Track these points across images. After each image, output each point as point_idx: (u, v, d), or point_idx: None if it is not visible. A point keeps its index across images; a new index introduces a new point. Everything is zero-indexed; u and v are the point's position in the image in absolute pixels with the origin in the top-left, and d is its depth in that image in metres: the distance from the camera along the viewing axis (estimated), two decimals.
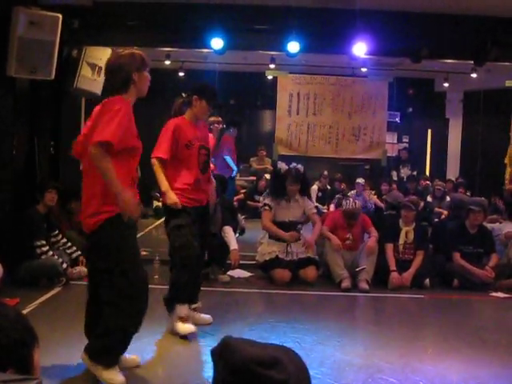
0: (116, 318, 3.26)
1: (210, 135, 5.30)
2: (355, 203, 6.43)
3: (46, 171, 7.05)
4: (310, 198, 6.62)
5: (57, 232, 6.05)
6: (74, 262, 6.01)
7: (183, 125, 4.31)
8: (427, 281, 6.11)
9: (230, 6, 6.84)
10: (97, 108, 3.38)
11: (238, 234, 6.57)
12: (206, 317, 4.59)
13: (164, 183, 4.17)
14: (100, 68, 7.35)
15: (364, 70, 10.79)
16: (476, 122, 12.12)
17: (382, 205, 9.11)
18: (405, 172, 12.11)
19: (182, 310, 4.22)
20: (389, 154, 12.21)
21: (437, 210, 9.43)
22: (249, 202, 10.59)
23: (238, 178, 10.81)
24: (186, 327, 4.18)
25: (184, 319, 4.21)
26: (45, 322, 4.28)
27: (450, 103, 13.07)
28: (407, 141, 13.32)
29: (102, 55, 7.35)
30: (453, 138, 13.17)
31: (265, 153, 12.02)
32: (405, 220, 6.33)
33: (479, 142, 12.04)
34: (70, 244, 6.12)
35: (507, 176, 10.10)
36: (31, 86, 6.67)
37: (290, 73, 11.40)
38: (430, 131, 13.41)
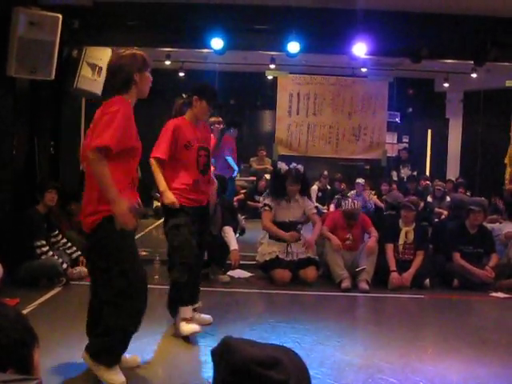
0: (115, 317, 3.26)
1: (212, 136, 5.30)
2: (354, 203, 6.43)
3: (46, 171, 7.05)
4: (310, 198, 6.62)
5: (57, 232, 6.05)
6: (74, 263, 6.01)
7: (183, 125, 4.31)
8: (427, 281, 6.11)
9: (230, 6, 6.85)
10: (98, 111, 3.38)
11: (238, 235, 6.57)
12: (206, 317, 4.59)
13: (162, 183, 4.17)
14: (100, 68, 7.35)
15: (364, 70, 10.80)
16: (476, 122, 12.12)
17: (381, 205, 9.11)
18: (405, 172, 12.11)
19: (186, 311, 4.20)
20: (389, 154, 12.22)
21: (437, 210, 9.43)
22: (249, 202, 10.59)
23: (238, 178, 10.81)
24: (190, 327, 4.15)
25: (188, 320, 4.19)
26: (45, 322, 4.27)
27: (450, 103, 13.07)
28: (407, 141, 13.32)
29: (102, 55, 7.36)
30: (453, 138, 13.17)
31: (265, 153, 12.02)
32: (405, 220, 6.33)
33: (479, 142, 12.05)
34: (70, 244, 6.11)
35: (507, 176, 10.10)
36: (31, 86, 6.67)
37: (290, 73, 11.40)
38: (430, 131, 13.41)
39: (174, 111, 4.46)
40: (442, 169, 13.12)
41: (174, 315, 4.30)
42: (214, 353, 1.10)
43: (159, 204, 5.15)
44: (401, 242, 6.26)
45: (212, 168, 4.70)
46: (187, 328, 4.15)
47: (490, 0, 6.53)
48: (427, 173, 12.79)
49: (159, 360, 3.85)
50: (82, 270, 5.81)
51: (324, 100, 11.65)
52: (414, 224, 6.36)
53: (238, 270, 6.30)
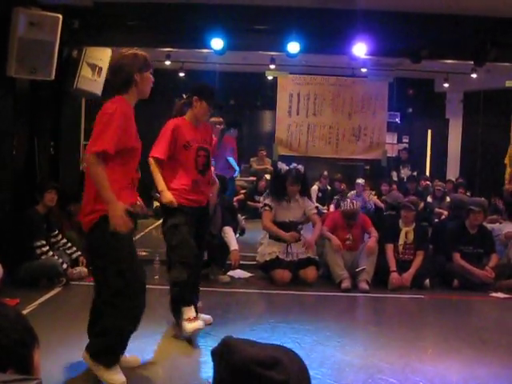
0: (113, 317, 3.26)
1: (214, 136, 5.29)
2: (353, 203, 6.43)
3: (46, 171, 7.05)
4: (310, 198, 6.62)
5: (56, 232, 6.05)
6: (74, 263, 6.01)
7: (182, 125, 4.31)
8: (427, 281, 6.11)
9: (230, 6, 6.84)
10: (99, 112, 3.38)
11: (238, 235, 6.57)
12: (207, 317, 4.58)
13: (161, 182, 4.17)
14: (100, 68, 7.35)
15: (364, 70, 10.79)
16: (476, 122, 12.13)
17: (381, 205, 9.11)
18: (405, 172, 12.11)
19: (189, 311, 4.15)
20: (389, 155, 12.21)
21: (437, 210, 9.43)
22: (249, 203, 10.59)
23: (238, 178, 10.81)
24: (193, 324, 4.10)
25: (191, 320, 4.14)
26: (45, 322, 4.27)
27: (450, 103, 13.07)
28: (407, 141, 13.32)
29: (102, 56, 7.36)
30: (453, 139, 13.17)
31: (265, 153, 12.02)
32: (404, 220, 6.33)
33: (479, 143, 12.05)
34: (69, 244, 6.11)
35: (507, 176, 10.10)
36: (31, 86, 6.67)
37: (290, 73, 11.39)
38: (430, 131, 13.41)
39: (174, 111, 4.47)
40: (441, 169, 13.11)
41: (177, 317, 4.28)
42: (214, 353, 1.10)
43: (159, 204, 5.14)
44: (401, 242, 6.26)
45: (212, 168, 4.70)
46: (190, 326, 4.09)
47: (489, 0, 6.53)
48: (427, 173, 12.78)
49: (159, 360, 3.85)
50: (82, 270, 5.82)
51: (324, 100, 11.65)
52: (414, 224, 6.36)
53: (238, 271, 6.30)
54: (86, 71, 7.18)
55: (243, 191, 11.16)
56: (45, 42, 6.03)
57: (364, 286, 5.92)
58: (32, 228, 5.72)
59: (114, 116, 3.18)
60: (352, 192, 10.18)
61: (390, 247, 6.21)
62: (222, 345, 1.08)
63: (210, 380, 1.12)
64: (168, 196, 4.13)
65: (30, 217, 5.79)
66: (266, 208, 6.24)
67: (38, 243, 5.67)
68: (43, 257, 5.67)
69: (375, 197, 10.31)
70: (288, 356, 1.09)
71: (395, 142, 13.03)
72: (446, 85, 11.60)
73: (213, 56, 7.68)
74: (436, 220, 8.53)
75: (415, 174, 11.84)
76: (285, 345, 1.17)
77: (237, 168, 8.99)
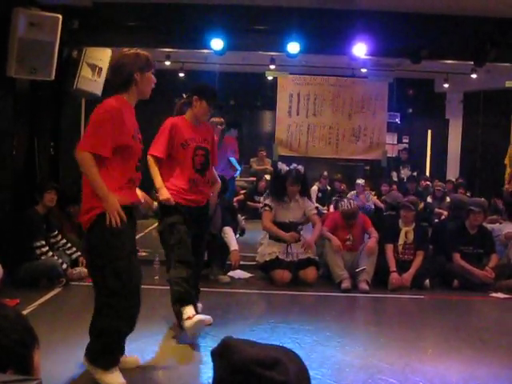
0: (110, 318, 3.24)
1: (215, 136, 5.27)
2: (350, 203, 6.44)
3: (46, 172, 7.05)
4: (310, 198, 6.62)
5: (56, 232, 6.05)
6: (74, 263, 6.01)
7: (181, 124, 4.30)
8: (427, 281, 6.11)
9: (230, 6, 6.84)
10: None
11: (238, 235, 6.57)
12: (207, 317, 4.56)
13: (158, 180, 4.17)
14: (100, 69, 7.35)
15: (364, 70, 10.79)
16: (476, 122, 12.13)
17: (381, 205, 9.11)
18: (405, 173, 12.11)
19: (188, 310, 4.13)
20: (389, 155, 12.20)
21: (437, 210, 9.43)
22: (249, 203, 10.59)
23: (238, 178, 10.80)
24: (193, 320, 4.04)
25: (191, 318, 4.09)
26: (45, 322, 4.27)
27: (450, 104, 13.07)
28: (407, 141, 13.32)
29: (102, 56, 7.36)
30: (453, 139, 13.17)
31: (265, 153, 12.01)
32: (404, 220, 6.33)
33: (479, 143, 12.06)
34: (69, 245, 6.11)
35: (507, 176, 10.10)
36: (31, 86, 6.67)
37: (290, 73, 11.38)
38: (430, 132, 13.41)
39: (175, 111, 4.47)
40: (441, 169, 13.11)
41: (179, 317, 4.26)
42: (213, 353, 1.10)
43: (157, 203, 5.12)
44: (401, 242, 6.25)
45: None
46: (189, 323, 4.03)
47: (489, 1, 6.53)
48: (427, 173, 12.79)
49: (159, 360, 3.85)
50: (81, 270, 5.81)
51: (324, 100, 11.63)
52: (414, 224, 6.36)
53: (238, 271, 6.30)
54: (85, 71, 7.18)
55: (243, 191, 11.16)
56: (45, 42, 6.03)
57: (364, 286, 5.92)
58: (32, 228, 5.72)
59: (103, 115, 3.21)
60: (352, 192, 10.19)
61: (389, 247, 6.21)
62: (221, 345, 1.08)
63: (210, 381, 1.12)
64: (165, 193, 4.12)
65: (29, 217, 5.79)
66: (266, 208, 6.24)
67: (38, 243, 5.67)
68: (43, 257, 5.67)
69: (375, 197, 10.32)
70: (288, 356, 1.08)
71: (395, 142, 13.03)
72: (446, 85, 11.60)
73: (213, 56, 7.68)
74: (436, 220, 8.53)
75: (415, 174, 11.85)
76: (285, 345, 1.17)
77: (239, 168, 8.97)
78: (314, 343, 4.23)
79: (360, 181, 10.13)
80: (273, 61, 9.77)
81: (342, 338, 4.39)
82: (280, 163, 6.73)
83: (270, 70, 10.59)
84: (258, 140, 12.96)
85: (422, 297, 5.87)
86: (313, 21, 6.99)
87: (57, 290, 5.48)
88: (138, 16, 6.97)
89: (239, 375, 1.02)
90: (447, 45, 7.32)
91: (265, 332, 4.46)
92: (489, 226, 6.77)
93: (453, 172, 12.85)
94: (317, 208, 7.58)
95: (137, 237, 3.72)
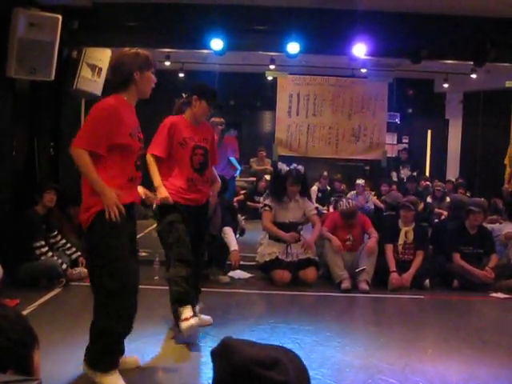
0: (107, 319, 3.23)
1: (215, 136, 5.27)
2: (349, 202, 6.44)
3: (46, 172, 7.05)
4: (310, 198, 6.62)
5: (56, 233, 6.05)
6: (74, 263, 6.01)
7: (180, 123, 4.29)
8: (427, 281, 6.11)
9: (230, 6, 6.84)
10: None
11: (238, 235, 6.57)
12: (206, 318, 4.58)
13: (156, 178, 4.16)
14: (100, 69, 7.35)
15: (364, 70, 10.79)
16: (476, 122, 12.13)
17: (381, 206, 9.11)
18: (405, 173, 12.11)
19: (186, 311, 4.10)
20: (389, 155, 12.20)
21: (437, 210, 9.43)
22: (249, 203, 10.59)
23: (238, 178, 10.81)
24: (188, 323, 4.03)
25: (188, 319, 4.08)
26: (45, 322, 4.27)
27: (450, 104, 13.07)
28: (407, 141, 13.33)
29: (101, 56, 7.36)
30: (453, 139, 13.17)
31: (265, 153, 12.01)
32: (404, 220, 6.33)
33: (479, 143, 12.05)
34: (69, 245, 6.11)
35: (506, 176, 10.10)
36: (31, 86, 6.67)
37: (290, 74, 11.38)
38: (429, 132, 13.41)
39: (174, 111, 4.46)
40: (441, 169, 13.12)
41: (176, 317, 4.25)
42: (213, 353, 1.10)
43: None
44: (400, 241, 6.25)
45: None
46: (185, 325, 4.02)
47: (489, 1, 6.53)
48: (427, 173, 12.79)
49: (159, 361, 3.85)
50: (81, 270, 5.81)
51: (324, 101, 11.64)
52: (414, 224, 6.36)
53: (238, 271, 6.30)
54: (85, 72, 7.18)
55: (243, 192, 11.15)
56: (44, 42, 6.03)
57: (364, 286, 5.92)
58: (31, 229, 5.72)
59: (98, 113, 3.23)
60: (352, 192, 10.20)
61: (389, 247, 6.21)
62: (221, 345, 1.08)
63: (210, 381, 1.12)
64: (163, 192, 4.11)
65: (29, 217, 5.79)
66: (266, 208, 6.24)
67: (38, 244, 5.67)
68: (43, 257, 5.67)
69: (375, 197, 10.32)
70: (288, 356, 1.08)
71: (395, 142, 13.04)
72: (446, 85, 11.61)
73: (213, 56, 7.68)
74: (436, 220, 8.53)
75: (415, 174, 11.85)
76: (285, 345, 1.17)
77: (239, 167, 8.97)
78: (314, 343, 4.23)
79: (360, 181, 10.13)
80: (273, 61, 9.77)
81: (342, 338, 4.39)
82: (280, 163, 6.73)
83: (269, 70, 10.59)
84: (257, 140, 12.97)
85: (422, 297, 5.87)
86: (313, 21, 6.99)
87: (57, 291, 5.48)
88: (137, 16, 6.97)
89: (239, 375, 1.02)
90: (447, 45, 7.32)
91: (265, 332, 4.46)
92: (489, 226, 6.77)
93: (453, 172, 12.86)
94: (316, 208, 7.58)
95: (137, 236, 3.71)
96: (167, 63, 9.94)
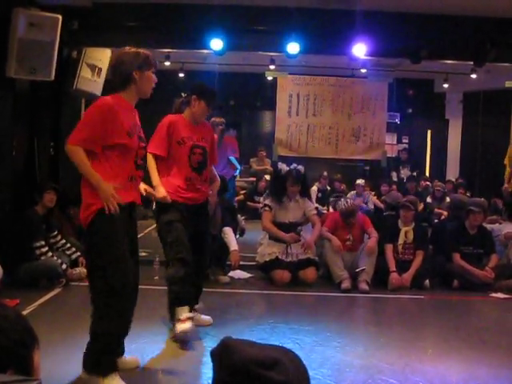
0: (106, 320, 3.21)
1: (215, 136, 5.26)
2: (347, 202, 6.45)
3: (46, 172, 7.05)
4: (310, 199, 6.62)
5: (56, 233, 6.05)
6: (74, 263, 6.01)
7: (179, 122, 4.28)
8: (427, 281, 6.11)
9: (230, 6, 6.84)
10: None
11: (237, 235, 6.57)
12: (206, 318, 4.58)
13: (155, 177, 4.15)
14: (100, 69, 7.35)
15: (364, 70, 10.79)
16: (476, 122, 12.13)
17: (381, 206, 9.11)
18: (404, 173, 12.12)
19: (182, 311, 4.11)
20: (388, 155, 12.21)
21: (437, 210, 9.43)
22: (249, 203, 10.59)
23: (238, 179, 10.81)
24: (182, 326, 4.04)
25: (183, 320, 4.09)
26: (45, 323, 4.27)
27: (450, 104, 13.08)
28: (407, 141, 13.33)
29: (101, 56, 7.36)
30: (452, 139, 13.18)
31: (265, 154, 12.02)
32: (404, 220, 6.33)
33: (479, 143, 12.06)
34: (69, 245, 6.11)
35: (506, 176, 10.10)
36: (31, 86, 6.67)
37: (290, 74, 11.39)
38: (429, 132, 13.42)
39: (173, 110, 4.45)
40: (441, 169, 13.12)
41: (172, 317, 4.25)
42: (213, 353, 1.10)
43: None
44: (400, 241, 6.25)
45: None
46: (179, 327, 4.04)
47: (489, 0, 6.53)
48: (427, 173, 12.80)
49: (159, 361, 3.84)
50: (81, 270, 5.80)
51: (324, 101, 11.65)
52: (414, 224, 6.36)
53: (238, 271, 6.30)
54: (85, 72, 7.18)
55: (243, 192, 11.16)
56: (44, 42, 6.04)
57: (364, 286, 5.92)
58: (31, 229, 5.72)
59: (92, 112, 3.24)
60: (352, 192, 10.20)
61: (389, 247, 6.21)
62: (221, 345, 1.08)
63: (210, 381, 1.12)
64: (162, 191, 4.10)
65: (29, 217, 5.79)
66: (266, 208, 6.24)
67: (38, 244, 5.67)
68: (43, 257, 5.67)
69: (375, 197, 10.32)
70: (288, 356, 1.08)
71: (395, 142, 13.04)
72: (446, 85, 11.61)
73: (212, 56, 7.69)
74: (436, 220, 8.53)
75: (415, 174, 11.85)
76: (284, 345, 1.17)
77: (239, 166, 8.97)
78: (314, 343, 4.23)
79: (360, 181, 10.13)
80: (272, 61, 9.78)
81: (342, 338, 4.39)
82: (280, 163, 6.73)
83: (269, 70, 10.59)
84: (257, 140, 12.97)
85: (422, 297, 5.87)
86: (312, 21, 6.99)
87: (57, 291, 5.48)
88: (137, 16, 6.97)
89: (239, 375, 1.02)
90: (447, 45, 7.32)
91: (264, 332, 4.46)
92: (488, 226, 6.77)
93: (452, 172, 12.86)
94: (316, 208, 7.58)
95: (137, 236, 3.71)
96: (167, 63, 9.94)
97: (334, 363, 3.84)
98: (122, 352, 3.50)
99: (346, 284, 5.92)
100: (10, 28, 5.89)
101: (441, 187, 10.14)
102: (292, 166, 6.38)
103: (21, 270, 5.50)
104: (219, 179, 4.83)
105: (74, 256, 6.07)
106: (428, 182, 11.25)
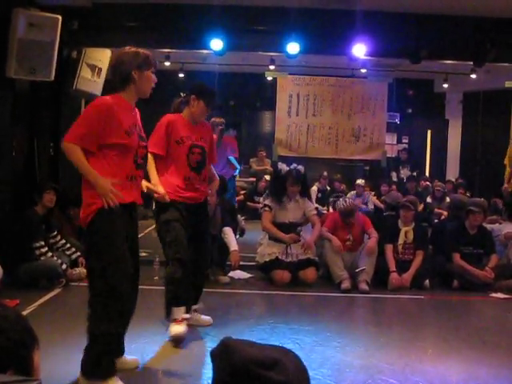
0: (102, 321, 3.18)
1: (215, 136, 5.25)
2: (346, 201, 6.45)
3: (46, 172, 7.05)
4: (310, 199, 6.62)
5: (55, 233, 6.05)
6: (74, 264, 6.01)
7: (178, 121, 4.27)
8: (427, 282, 6.11)
9: (230, 6, 6.84)
10: None
11: (237, 236, 6.57)
12: (206, 318, 4.58)
13: (154, 176, 4.14)
14: (100, 69, 7.35)
15: (363, 71, 10.80)
16: (475, 122, 12.14)
17: (381, 206, 9.12)
18: (404, 173, 12.12)
19: (178, 312, 4.12)
20: (388, 155, 12.21)
21: (436, 210, 9.43)
22: (248, 203, 10.59)
23: (237, 179, 10.81)
24: (175, 328, 4.06)
25: (178, 321, 4.11)
26: (45, 323, 4.27)
27: (450, 104, 13.08)
28: (407, 141, 13.33)
29: (101, 56, 7.36)
30: (452, 139, 13.18)
31: (264, 154, 12.02)
32: (404, 220, 6.33)
33: (479, 143, 12.06)
34: (69, 245, 6.11)
35: (506, 176, 10.10)
36: (31, 87, 6.67)
37: (290, 74, 11.39)
38: (429, 132, 13.42)
39: (172, 109, 4.45)
40: (441, 169, 13.12)
41: (168, 316, 4.23)
42: (213, 354, 1.10)
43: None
44: (400, 241, 6.25)
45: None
46: (173, 329, 4.06)
47: (489, 0, 6.53)
48: (427, 173, 12.80)
49: (159, 361, 3.85)
50: (81, 271, 5.80)
51: (324, 101, 11.65)
52: (414, 224, 6.36)
53: (238, 271, 6.30)
54: (85, 72, 7.18)
55: (243, 192, 11.16)
56: (44, 42, 6.04)
57: (364, 286, 5.92)
58: (31, 229, 5.71)
59: (88, 112, 3.26)
60: (352, 192, 10.20)
61: (389, 247, 6.21)
62: (221, 345, 1.08)
63: (210, 381, 1.12)
64: (160, 190, 4.10)
65: (28, 218, 5.79)
66: (266, 209, 6.24)
67: (37, 244, 5.67)
68: (42, 258, 5.67)
69: (375, 197, 10.32)
70: (288, 356, 1.09)
71: (395, 142, 13.04)
72: (446, 85, 11.61)
73: (212, 57, 7.69)
74: (436, 220, 8.53)
75: (415, 174, 11.85)
76: (284, 345, 1.17)
77: (238, 166, 8.97)
78: (314, 343, 4.23)
79: (360, 181, 10.13)
80: (272, 61, 9.78)
81: (342, 338, 4.39)
82: (280, 163, 6.72)
83: (269, 70, 10.59)
84: (257, 140, 12.97)
85: (422, 297, 5.87)
86: (312, 21, 6.99)
87: (56, 291, 5.48)
88: (137, 16, 6.97)
89: (239, 376, 1.02)
90: (447, 45, 7.33)
91: (264, 332, 4.46)
92: (488, 226, 6.77)
93: (452, 172, 12.86)
94: (316, 208, 7.58)
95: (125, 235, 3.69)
96: (167, 63, 9.95)
97: (334, 363, 3.84)
98: (122, 352, 3.49)
99: (345, 284, 5.92)
100: (9, 28, 5.89)
101: (441, 187, 10.14)
102: (292, 166, 6.37)
103: (21, 270, 5.50)
104: (218, 178, 4.82)
105: (73, 256, 6.07)
106: (428, 182, 11.25)
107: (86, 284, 3.53)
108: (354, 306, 5.83)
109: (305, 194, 6.37)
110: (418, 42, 7.18)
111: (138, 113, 3.48)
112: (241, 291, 5.90)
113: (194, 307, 4.49)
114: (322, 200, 10.92)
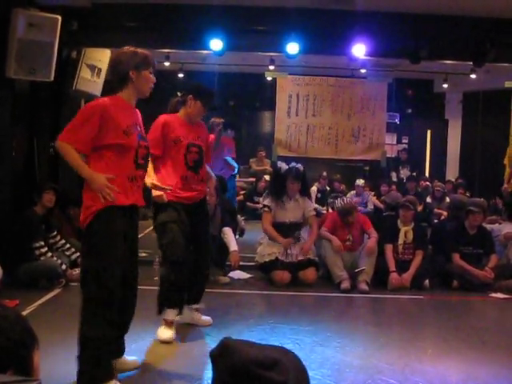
0: (89, 327, 3.16)
1: (212, 135, 5.24)
2: (344, 200, 6.46)
3: (46, 172, 7.05)
4: (310, 198, 6.60)
5: (55, 233, 6.05)
6: (74, 264, 6.00)
7: (174, 121, 4.25)
8: (427, 282, 6.11)
9: (230, 6, 6.84)
10: None
11: (237, 236, 6.56)
12: (206, 318, 4.58)
13: (151, 177, 4.14)
14: (99, 69, 7.35)
15: (363, 71, 10.80)
16: (475, 122, 12.14)
17: (381, 206, 9.12)
18: (404, 173, 12.12)
19: (169, 313, 4.14)
20: (388, 155, 12.22)
21: (436, 210, 9.44)
22: (248, 203, 10.59)
23: (237, 179, 10.81)
24: (164, 332, 4.09)
25: (168, 323, 4.13)
26: (44, 323, 4.27)
27: (450, 104, 13.08)
28: (407, 142, 13.34)
29: (101, 57, 7.36)
30: (452, 139, 13.18)
31: (264, 154, 12.02)
32: (403, 220, 6.33)
33: (478, 143, 12.06)
34: (68, 245, 6.11)
35: (506, 176, 10.11)
36: (31, 87, 6.67)
37: (290, 74, 11.39)
38: (429, 132, 13.42)
39: (169, 109, 4.43)
40: (441, 170, 13.13)
41: (160, 312, 4.23)
42: (213, 354, 1.10)
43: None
44: (400, 241, 6.25)
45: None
46: (161, 333, 4.10)
47: (489, 0, 6.53)
48: (427, 174, 12.80)
49: (159, 361, 3.85)
50: None
51: (323, 101, 11.66)
52: (413, 224, 6.36)
53: (238, 271, 6.29)
54: (85, 72, 7.18)
55: (242, 192, 11.16)
56: (44, 42, 6.03)
57: (363, 286, 5.92)
58: (30, 229, 5.71)
59: (83, 112, 3.23)
60: (351, 192, 10.20)
61: (389, 247, 6.21)
62: (221, 346, 1.08)
63: (210, 381, 1.12)
64: (158, 191, 4.09)
65: (28, 218, 5.79)
66: (266, 209, 6.22)
67: (37, 244, 5.67)
68: (42, 258, 5.67)
69: (375, 197, 10.32)
70: (287, 357, 1.09)
71: (394, 142, 13.05)
72: (446, 85, 11.61)
73: (212, 57, 7.69)
74: (435, 220, 8.53)
75: (414, 174, 11.85)
76: (284, 346, 1.17)
77: (235, 165, 8.97)
78: (314, 344, 4.23)
79: (359, 181, 10.13)
80: (272, 61, 9.77)
81: (342, 338, 4.39)
82: (280, 162, 6.69)
83: (269, 70, 10.58)
84: (257, 140, 12.97)
85: (422, 297, 5.87)
86: (312, 21, 6.99)
87: (56, 291, 5.48)
88: (137, 16, 6.96)
89: (238, 376, 1.02)
90: (446, 45, 7.32)
91: (264, 332, 4.46)
92: (488, 227, 6.77)
93: (452, 172, 12.87)
94: (315, 209, 7.58)
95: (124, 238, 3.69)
96: (167, 63, 9.94)
97: (334, 363, 3.84)
98: (122, 352, 3.49)
99: (345, 284, 5.92)
100: (9, 28, 5.89)
101: (440, 187, 10.14)
102: (291, 164, 6.35)
103: (20, 270, 5.50)
104: (214, 176, 4.79)
105: (73, 256, 6.07)
106: (428, 182, 11.25)
107: None
108: (354, 306, 5.83)
109: (305, 192, 6.36)
110: (417, 42, 7.18)
111: (139, 113, 3.47)
112: (241, 291, 5.90)
113: (195, 307, 4.49)
114: (322, 200, 10.91)
